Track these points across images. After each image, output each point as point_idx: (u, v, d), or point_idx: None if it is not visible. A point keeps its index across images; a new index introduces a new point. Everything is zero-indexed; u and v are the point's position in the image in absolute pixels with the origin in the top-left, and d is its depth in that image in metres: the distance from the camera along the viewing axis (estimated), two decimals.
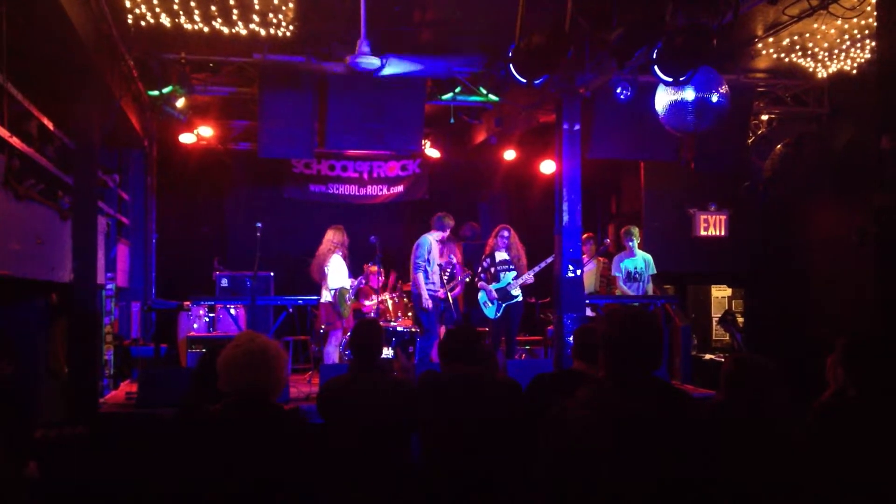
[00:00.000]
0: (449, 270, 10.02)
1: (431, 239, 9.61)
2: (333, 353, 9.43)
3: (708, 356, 11.60)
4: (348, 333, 9.66)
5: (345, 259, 9.62)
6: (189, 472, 3.25)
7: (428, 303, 9.38)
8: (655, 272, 10.28)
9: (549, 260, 9.45)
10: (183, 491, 3.23)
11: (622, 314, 3.04)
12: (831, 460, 3.56)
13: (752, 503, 3.51)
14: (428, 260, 9.50)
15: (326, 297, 9.43)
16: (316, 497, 3.84)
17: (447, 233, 9.75)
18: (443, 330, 9.69)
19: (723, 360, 10.86)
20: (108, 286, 8.79)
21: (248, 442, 3.24)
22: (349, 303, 9.57)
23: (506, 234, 9.78)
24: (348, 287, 9.56)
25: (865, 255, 8.82)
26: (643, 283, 10.20)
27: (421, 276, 9.44)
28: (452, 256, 10.06)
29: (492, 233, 10.05)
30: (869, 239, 8.52)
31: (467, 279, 10.15)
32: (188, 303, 9.75)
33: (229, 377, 3.33)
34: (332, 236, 9.64)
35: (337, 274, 9.47)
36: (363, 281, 10.15)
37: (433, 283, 9.53)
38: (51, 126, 7.20)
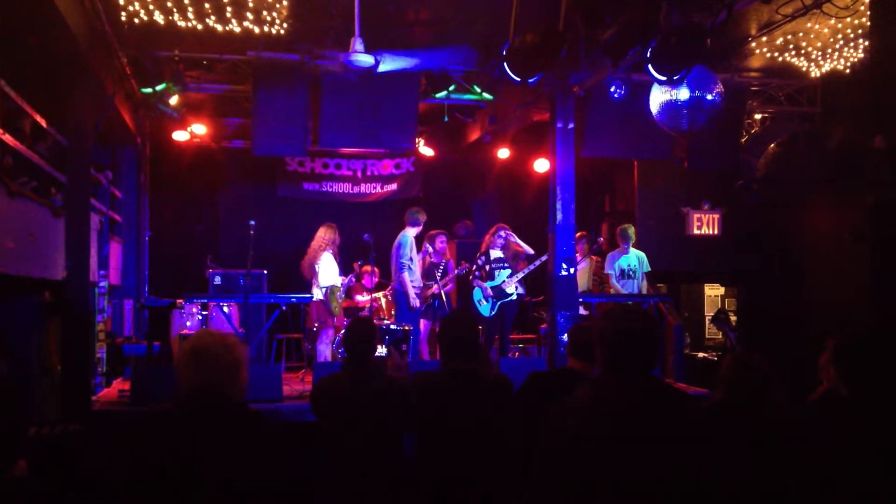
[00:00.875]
0: (442, 266, 10.04)
1: (410, 236, 9.64)
2: (325, 350, 9.43)
3: (701, 355, 11.61)
4: (341, 332, 9.68)
5: (335, 257, 9.65)
6: (142, 470, 3.17)
7: (415, 302, 9.40)
8: (649, 269, 10.29)
9: (544, 258, 9.46)
10: (138, 488, 3.15)
11: (619, 312, 3.04)
12: (824, 458, 3.57)
13: (749, 501, 3.51)
14: (411, 258, 9.52)
15: (317, 294, 9.43)
16: (308, 495, 3.82)
17: (421, 227, 9.76)
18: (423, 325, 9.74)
19: (716, 358, 10.95)
20: (101, 284, 8.77)
21: (197, 441, 3.14)
22: (340, 301, 9.57)
23: (503, 234, 9.79)
24: (339, 285, 9.57)
25: (859, 254, 8.87)
26: (637, 280, 10.21)
27: (407, 275, 9.46)
28: (430, 249, 10.07)
29: (489, 231, 10.05)
30: (863, 238, 8.56)
31: (462, 273, 10.15)
32: (181, 300, 9.73)
33: (180, 376, 3.25)
34: (323, 234, 9.66)
35: (327, 272, 9.48)
36: (353, 279, 10.13)
37: (416, 280, 9.54)
38: (44, 123, 7.17)
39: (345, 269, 10.03)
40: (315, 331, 9.48)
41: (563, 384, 3.92)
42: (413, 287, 9.48)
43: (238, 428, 3.23)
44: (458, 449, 4.13)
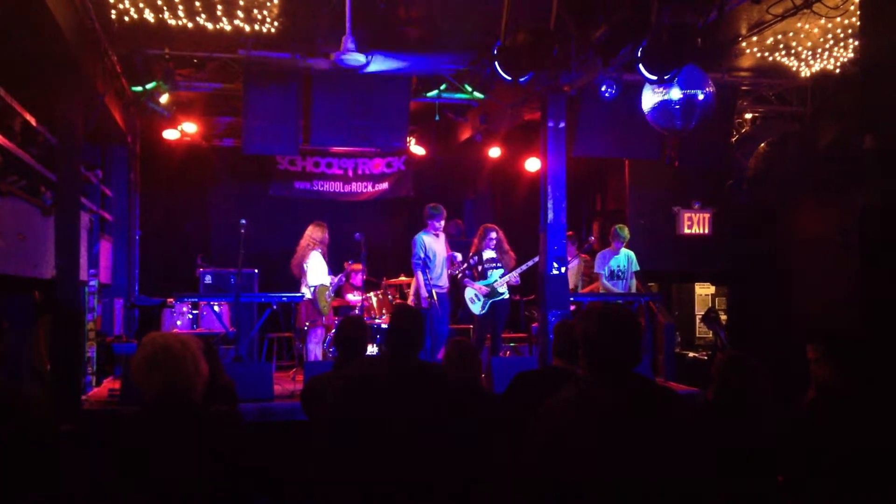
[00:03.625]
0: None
1: (423, 235, 9.62)
2: (315, 349, 9.42)
3: (692, 354, 11.64)
4: (332, 331, 9.67)
5: (324, 256, 9.64)
6: (114, 473, 3.12)
7: (426, 301, 9.39)
8: (638, 268, 10.30)
9: (536, 260, 9.46)
10: (112, 490, 3.11)
11: (598, 311, 3.05)
12: (818, 456, 3.58)
13: (740, 500, 3.52)
14: (426, 257, 9.49)
15: (307, 293, 9.43)
16: (296, 495, 3.79)
17: (441, 222, 9.69)
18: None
19: (706, 357, 10.98)
20: (91, 283, 8.74)
21: (165, 444, 3.11)
22: (329, 300, 9.56)
23: (493, 235, 9.76)
24: (327, 284, 9.55)
25: (848, 254, 8.90)
26: (626, 280, 10.23)
27: (419, 274, 9.47)
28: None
29: (477, 232, 10.04)
30: (852, 239, 8.59)
31: (457, 273, 10.15)
32: (171, 300, 9.71)
33: (139, 382, 3.20)
34: (311, 232, 9.67)
35: (316, 271, 9.47)
36: (343, 278, 10.10)
37: (433, 279, 9.49)
38: (34, 122, 7.14)
39: (336, 268, 10.01)
40: (305, 330, 9.47)
41: (548, 383, 3.90)
42: (428, 286, 9.47)
43: (203, 426, 3.19)
44: (389, 446, 3.86)
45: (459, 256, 10.07)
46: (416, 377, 4.03)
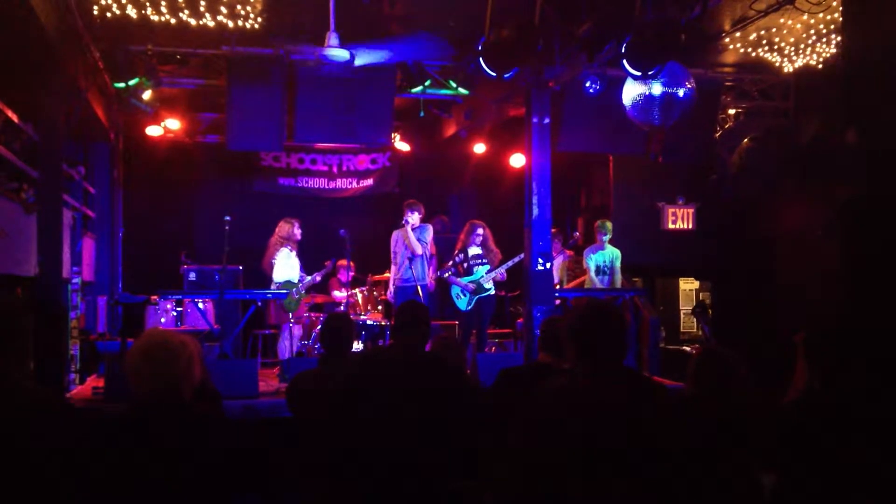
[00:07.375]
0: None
1: (395, 232, 9.77)
2: (284, 346, 9.46)
3: (676, 348, 11.68)
4: (317, 327, 9.67)
5: (295, 252, 9.66)
6: (102, 474, 3.10)
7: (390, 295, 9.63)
8: (619, 265, 10.35)
9: (522, 257, 9.48)
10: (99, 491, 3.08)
11: (584, 306, 3.08)
12: (799, 453, 3.60)
13: (721, 494, 3.54)
14: (395, 252, 9.61)
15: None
16: (281, 491, 3.78)
17: (410, 213, 9.67)
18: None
19: (692, 352, 11.00)
20: (74, 280, 8.70)
21: (155, 443, 3.07)
22: (297, 297, 9.51)
23: (479, 230, 9.80)
24: (295, 280, 9.52)
25: (831, 248, 8.95)
26: (610, 275, 10.26)
27: (391, 269, 9.73)
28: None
29: (463, 228, 10.06)
30: (833, 234, 8.64)
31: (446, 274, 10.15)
32: (155, 297, 9.67)
33: (130, 373, 3.18)
34: (279, 229, 9.72)
35: (281, 268, 9.49)
36: (318, 278, 10.06)
37: (398, 274, 9.58)
38: (15, 119, 7.10)
39: (315, 266, 9.99)
40: (291, 326, 9.47)
41: (534, 378, 3.92)
42: (396, 282, 9.64)
43: (194, 427, 3.17)
44: (388, 423, 3.91)
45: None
46: (428, 368, 4.08)
